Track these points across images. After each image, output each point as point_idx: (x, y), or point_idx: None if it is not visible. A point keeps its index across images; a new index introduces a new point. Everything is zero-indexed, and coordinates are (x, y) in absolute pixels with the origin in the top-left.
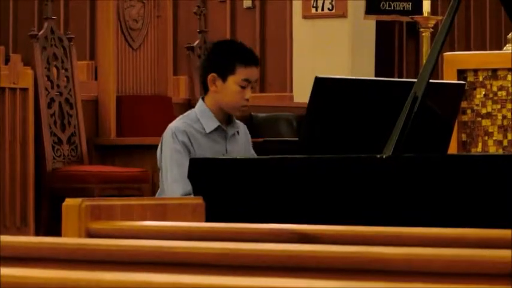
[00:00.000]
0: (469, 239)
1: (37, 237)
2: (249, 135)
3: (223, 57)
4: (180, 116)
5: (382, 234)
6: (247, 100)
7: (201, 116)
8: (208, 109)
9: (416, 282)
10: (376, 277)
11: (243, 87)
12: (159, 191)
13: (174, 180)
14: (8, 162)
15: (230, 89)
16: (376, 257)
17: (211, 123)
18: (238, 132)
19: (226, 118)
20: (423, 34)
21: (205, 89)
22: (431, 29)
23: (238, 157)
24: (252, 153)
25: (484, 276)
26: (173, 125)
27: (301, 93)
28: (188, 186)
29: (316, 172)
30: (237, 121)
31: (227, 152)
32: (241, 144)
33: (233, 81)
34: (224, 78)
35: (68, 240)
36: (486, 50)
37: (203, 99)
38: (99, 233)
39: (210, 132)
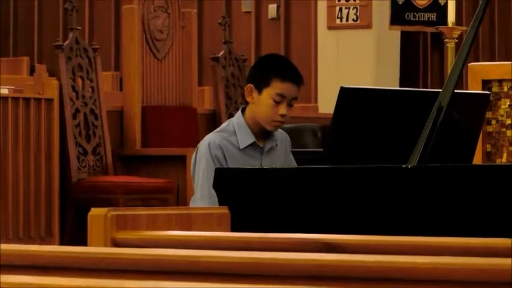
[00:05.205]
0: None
1: (63, 246)
2: (289, 142)
3: (262, 69)
4: (219, 128)
5: (406, 244)
6: (283, 116)
7: (238, 129)
8: (245, 123)
9: None
10: (401, 286)
11: (277, 102)
12: (193, 198)
13: (202, 196)
14: (33, 173)
15: (264, 102)
16: (400, 266)
17: (246, 139)
18: (276, 144)
19: (262, 132)
20: (448, 45)
21: (245, 100)
22: (456, 40)
23: (263, 167)
24: (292, 163)
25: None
26: (209, 137)
27: (326, 103)
28: (215, 203)
29: (341, 182)
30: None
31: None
32: (280, 156)
33: (267, 94)
34: (260, 90)
35: (93, 250)
36: (510, 60)
37: (243, 110)
38: (124, 243)
39: (245, 147)
